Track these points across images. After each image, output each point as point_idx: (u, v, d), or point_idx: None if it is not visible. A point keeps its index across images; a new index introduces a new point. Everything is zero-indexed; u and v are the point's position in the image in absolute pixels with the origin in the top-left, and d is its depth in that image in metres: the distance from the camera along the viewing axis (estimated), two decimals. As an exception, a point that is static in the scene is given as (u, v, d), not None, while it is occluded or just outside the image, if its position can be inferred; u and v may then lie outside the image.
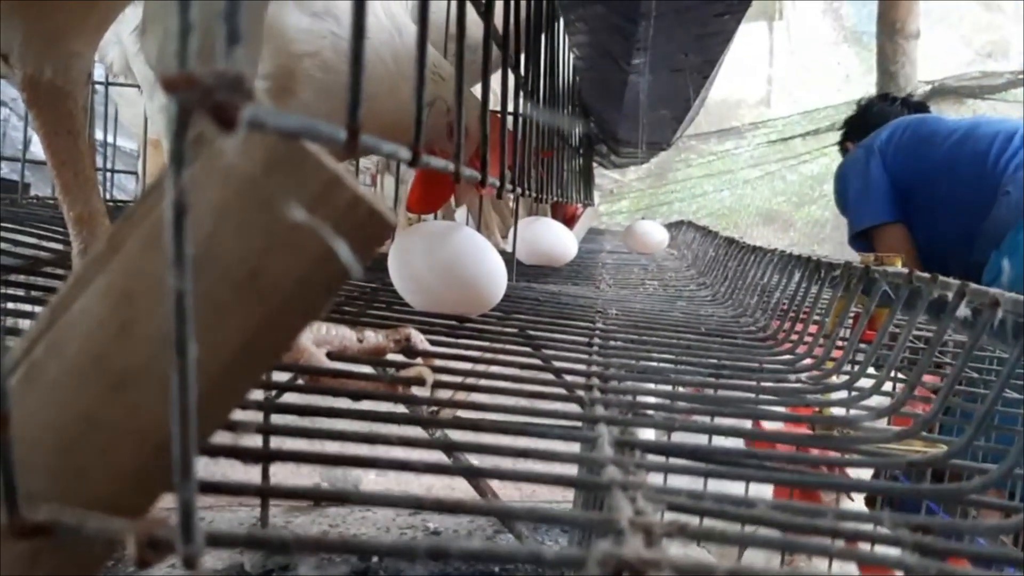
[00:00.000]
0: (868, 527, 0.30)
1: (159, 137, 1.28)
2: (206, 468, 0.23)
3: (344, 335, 0.50)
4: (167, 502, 0.26)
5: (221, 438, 0.30)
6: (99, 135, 1.52)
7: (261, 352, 0.22)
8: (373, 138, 0.28)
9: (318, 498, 0.28)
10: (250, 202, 0.20)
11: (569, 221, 2.02)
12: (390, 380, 0.45)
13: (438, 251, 0.65)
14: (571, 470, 0.35)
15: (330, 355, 0.48)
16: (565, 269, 1.31)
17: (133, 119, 1.39)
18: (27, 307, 0.57)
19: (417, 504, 0.24)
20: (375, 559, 1.70)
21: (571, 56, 1.31)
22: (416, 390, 0.45)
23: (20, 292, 0.59)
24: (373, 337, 0.51)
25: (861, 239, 2.03)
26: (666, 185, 6.62)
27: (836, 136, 2.50)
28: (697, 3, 0.86)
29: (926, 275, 0.47)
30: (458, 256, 0.65)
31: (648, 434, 0.54)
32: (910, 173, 1.95)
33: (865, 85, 4.64)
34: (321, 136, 0.23)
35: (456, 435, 0.40)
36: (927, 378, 0.70)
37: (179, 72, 0.18)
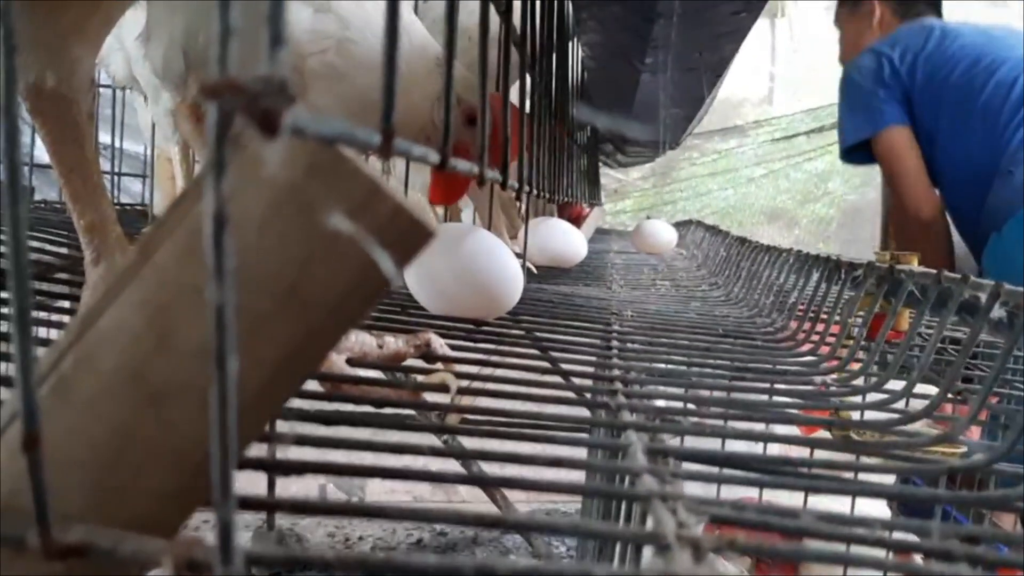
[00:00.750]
0: (874, 535, 0.29)
1: (166, 149, 1.27)
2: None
3: (364, 341, 0.49)
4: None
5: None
6: (106, 139, 1.52)
7: (300, 364, 0.21)
8: (406, 142, 0.28)
9: (328, 511, 0.27)
10: (290, 212, 0.20)
11: (576, 221, 2.00)
12: (414, 387, 0.44)
13: (454, 254, 0.64)
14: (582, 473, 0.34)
15: (350, 361, 0.48)
16: (575, 270, 1.30)
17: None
18: (39, 314, 0.57)
19: (459, 520, 0.24)
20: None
21: (581, 54, 1.30)
22: (438, 396, 0.45)
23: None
24: (393, 343, 0.51)
25: (857, 151, 1.89)
26: (670, 184, 6.59)
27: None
28: (715, 1, 0.85)
29: (956, 275, 0.46)
30: (475, 258, 0.64)
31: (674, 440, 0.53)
32: (919, 108, 1.81)
33: (870, 82, 4.60)
34: (357, 142, 0.22)
35: (478, 443, 0.39)
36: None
37: (221, 77, 0.17)
